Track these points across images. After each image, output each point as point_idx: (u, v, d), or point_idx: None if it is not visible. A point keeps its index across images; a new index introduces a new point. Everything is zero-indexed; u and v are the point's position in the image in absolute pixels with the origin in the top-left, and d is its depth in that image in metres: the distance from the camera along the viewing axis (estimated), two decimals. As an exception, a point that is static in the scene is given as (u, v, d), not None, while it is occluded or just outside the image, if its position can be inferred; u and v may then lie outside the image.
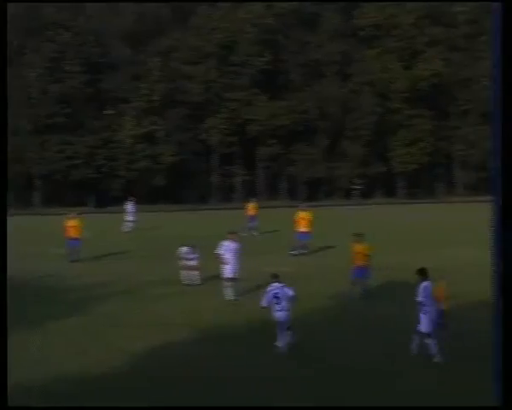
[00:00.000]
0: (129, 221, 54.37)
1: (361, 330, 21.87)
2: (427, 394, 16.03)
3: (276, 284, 20.38)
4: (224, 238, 27.95)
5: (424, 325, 18.46)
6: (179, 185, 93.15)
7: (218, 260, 27.41)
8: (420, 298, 18.57)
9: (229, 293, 26.85)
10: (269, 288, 20.48)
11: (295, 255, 37.45)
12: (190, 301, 26.69)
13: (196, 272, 30.15)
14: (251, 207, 51.05)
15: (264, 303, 20.41)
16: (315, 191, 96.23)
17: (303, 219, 39.90)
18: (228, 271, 27.11)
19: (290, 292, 20.22)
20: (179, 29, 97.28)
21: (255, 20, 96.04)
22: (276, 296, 20.08)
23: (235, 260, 27.27)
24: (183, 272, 30.45)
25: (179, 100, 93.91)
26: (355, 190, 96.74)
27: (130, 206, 55.47)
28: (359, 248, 27.26)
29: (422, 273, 18.97)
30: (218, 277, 27.77)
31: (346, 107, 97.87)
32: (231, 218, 54.77)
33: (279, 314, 20.00)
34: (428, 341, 18.30)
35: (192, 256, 30.50)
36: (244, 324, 22.59)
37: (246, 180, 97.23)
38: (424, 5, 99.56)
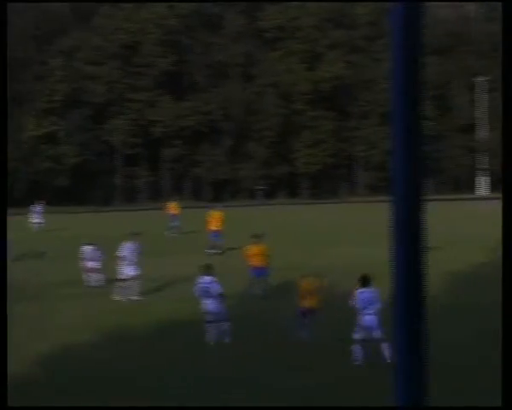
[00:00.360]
0: (36, 222, 53.85)
1: (254, 328, 21.87)
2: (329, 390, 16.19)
3: (206, 278, 20.37)
4: (126, 239, 28.08)
5: (356, 331, 18.23)
6: (83, 186, 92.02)
7: (120, 261, 27.36)
8: (355, 304, 18.24)
9: (128, 293, 26.81)
10: (199, 280, 20.47)
11: (212, 254, 37.49)
12: (94, 302, 26.47)
13: (99, 273, 29.86)
14: (172, 207, 50.65)
15: (196, 293, 20.42)
16: (220, 192, 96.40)
17: (215, 219, 40.08)
18: (128, 271, 27.08)
19: (218, 288, 20.15)
20: (82, 29, 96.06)
21: (158, 20, 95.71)
22: (205, 290, 20.08)
23: (136, 260, 27.34)
24: (87, 274, 30.14)
25: (82, 100, 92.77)
26: (259, 190, 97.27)
27: (38, 207, 55.11)
28: (257, 249, 27.50)
29: (363, 281, 18.56)
30: (121, 278, 27.60)
31: (250, 108, 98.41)
32: (135, 219, 54.40)
33: (209, 307, 19.97)
34: (354, 347, 18.10)
35: (95, 257, 30.22)
36: (148, 324, 22.43)
37: (150, 181, 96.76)
38: (326, 7, 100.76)
